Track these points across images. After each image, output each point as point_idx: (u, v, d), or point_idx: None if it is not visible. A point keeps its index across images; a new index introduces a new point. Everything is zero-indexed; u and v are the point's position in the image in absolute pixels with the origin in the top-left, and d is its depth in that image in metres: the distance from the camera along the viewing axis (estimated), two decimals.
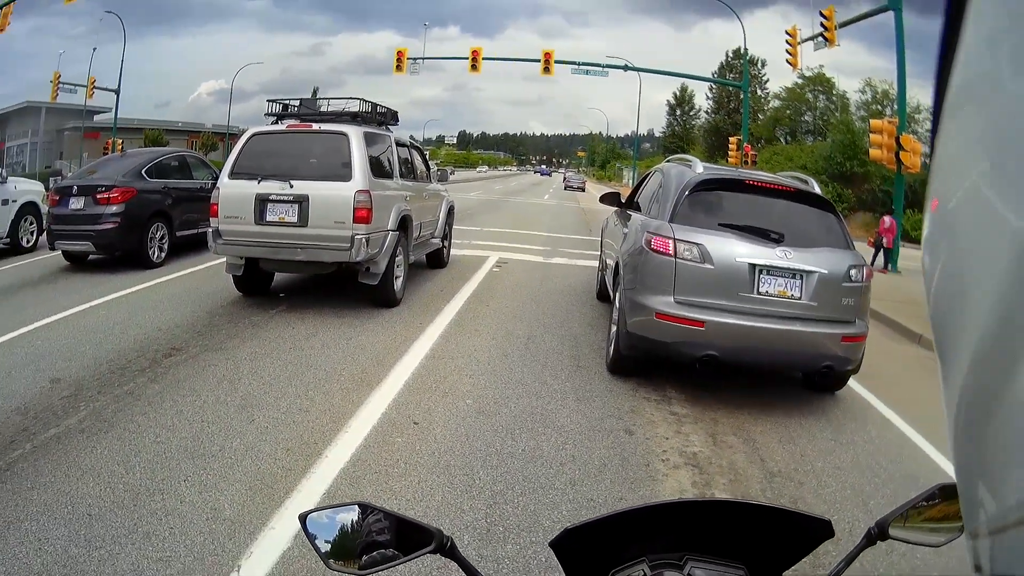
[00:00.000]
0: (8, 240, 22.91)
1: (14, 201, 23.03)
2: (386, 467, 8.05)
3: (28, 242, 23.58)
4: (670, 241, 10.72)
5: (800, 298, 10.52)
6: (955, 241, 1.16)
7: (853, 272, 10.76)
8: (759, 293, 10.48)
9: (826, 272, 10.58)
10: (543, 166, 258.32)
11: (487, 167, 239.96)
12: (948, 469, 9.11)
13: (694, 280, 10.57)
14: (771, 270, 10.50)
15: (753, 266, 10.47)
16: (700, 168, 12.12)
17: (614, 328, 12.00)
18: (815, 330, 10.56)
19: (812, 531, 2.14)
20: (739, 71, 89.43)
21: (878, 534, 2.19)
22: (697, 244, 10.62)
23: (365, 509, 2.11)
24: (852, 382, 12.29)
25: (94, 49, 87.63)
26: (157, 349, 12.01)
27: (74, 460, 7.93)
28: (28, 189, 24.43)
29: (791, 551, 2.17)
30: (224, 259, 15.56)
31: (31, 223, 23.80)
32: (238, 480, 7.58)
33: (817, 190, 12.19)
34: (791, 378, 12.24)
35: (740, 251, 10.58)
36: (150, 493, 7.22)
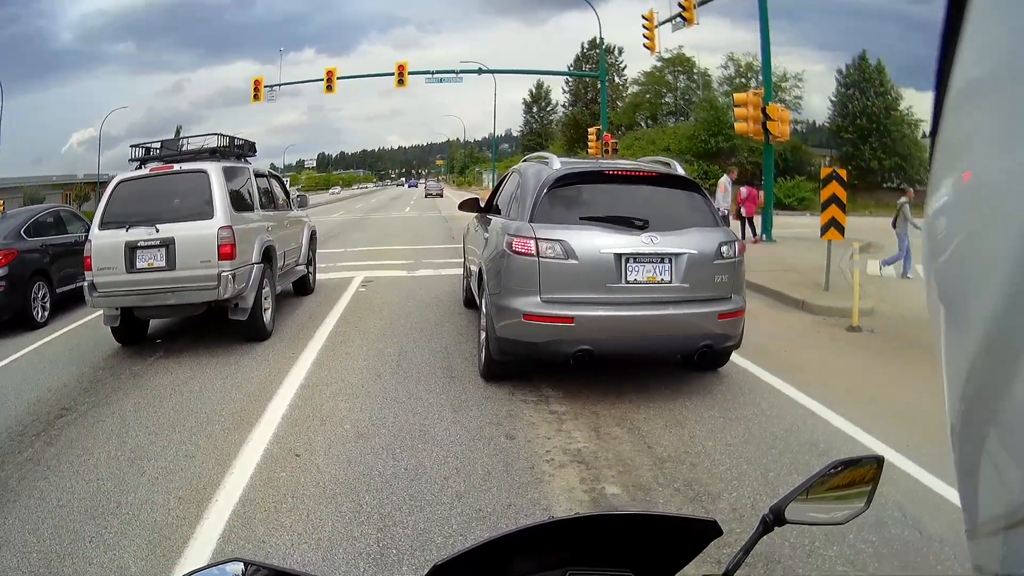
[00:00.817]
0: None
1: None
2: (274, 503, 8.20)
3: None
4: (531, 241, 10.74)
5: (671, 281, 10.67)
6: (963, 228, 1.21)
7: (724, 249, 10.96)
8: (627, 282, 10.59)
9: (695, 252, 10.76)
10: (412, 179, 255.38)
11: (339, 187, 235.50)
12: (849, 432, 9.66)
13: (560, 277, 10.62)
14: (637, 257, 10.62)
15: (619, 256, 10.58)
16: (557, 164, 12.04)
17: (483, 335, 11.99)
18: (689, 311, 10.75)
19: (699, 532, 2.20)
20: (596, 61, 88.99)
21: (774, 520, 2.18)
22: (559, 240, 10.65)
23: (247, 565, 2.01)
24: (736, 356, 12.77)
25: None
26: (49, 411, 12.07)
27: None
28: None
29: (679, 554, 2.22)
30: (102, 311, 15.60)
31: None
32: (138, 535, 7.69)
33: (680, 171, 12.30)
34: (671, 361, 12.48)
35: (604, 242, 10.66)
36: (60, 558, 7.38)
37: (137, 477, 9.28)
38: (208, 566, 2.05)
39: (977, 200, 1.17)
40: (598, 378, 11.68)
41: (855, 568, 6.49)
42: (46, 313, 20.13)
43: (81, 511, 8.46)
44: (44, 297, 20.19)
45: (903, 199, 26.12)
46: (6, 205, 53.37)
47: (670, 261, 10.69)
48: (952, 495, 7.34)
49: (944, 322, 1.28)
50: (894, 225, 25.30)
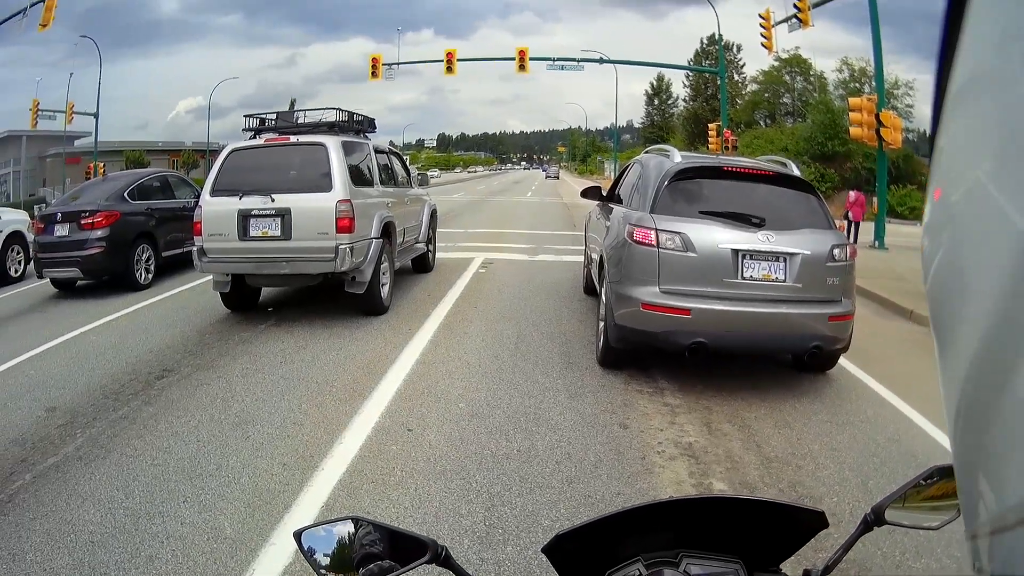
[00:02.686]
0: None
1: (0, 232, 22.97)
2: (382, 476, 8.01)
3: (16, 272, 23.57)
4: (652, 231, 10.75)
5: (785, 280, 10.56)
6: (957, 233, 1.17)
7: (836, 252, 10.78)
8: (743, 278, 10.50)
9: (809, 253, 10.61)
10: (547, 165, 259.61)
11: (461, 167, 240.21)
12: (947, 445, 9.31)
13: (678, 269, 10.59)
14: (754, 254, 10.53)
15: (736, 251, 10.49)
16: (678, 158, 12.08)
17: (602, 322, 11.97)
18: (801, 311, 10.61)
19: (806, 522, 2.16)
20: (715, 57, 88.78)
21: (874, 520, 2.19)
22: (679, 233, 10.64)
23: (358, 522, 2.10)
24: (845, 362, 12.30)
25: (71, 74, 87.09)
26: (149, 372, 11.99)
27: (74, 488, 7.91)
28: (13, 219, 24.46)
29: (786, 543, 2.19)
30: (211, 277, 15.55)
31: (18, 252, 23.79)
32: (236, 498, 7.58)
33: (796, 172, 12.19)
34: (783, 361, 12.24)
35: (722, 237, 10.60)
36: (150, 516, 7.21)
37: (241, 441, 9.14)
38: (322, 522, 2.14)
39: (970, 205, 1.13)
40: (712, 374, 11.52)
41: None
42: (150, 276, 20.15)
43: (177, 471, 8.30)
44: (148, 260, 20.21)
45: None
46: (107, 168, 53.99)
47: (785, 260, 10.64)
48: None
49: (940, 321, 1.22)
50: None
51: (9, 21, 56.69)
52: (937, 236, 1.22)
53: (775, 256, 10.60)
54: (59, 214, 19.75)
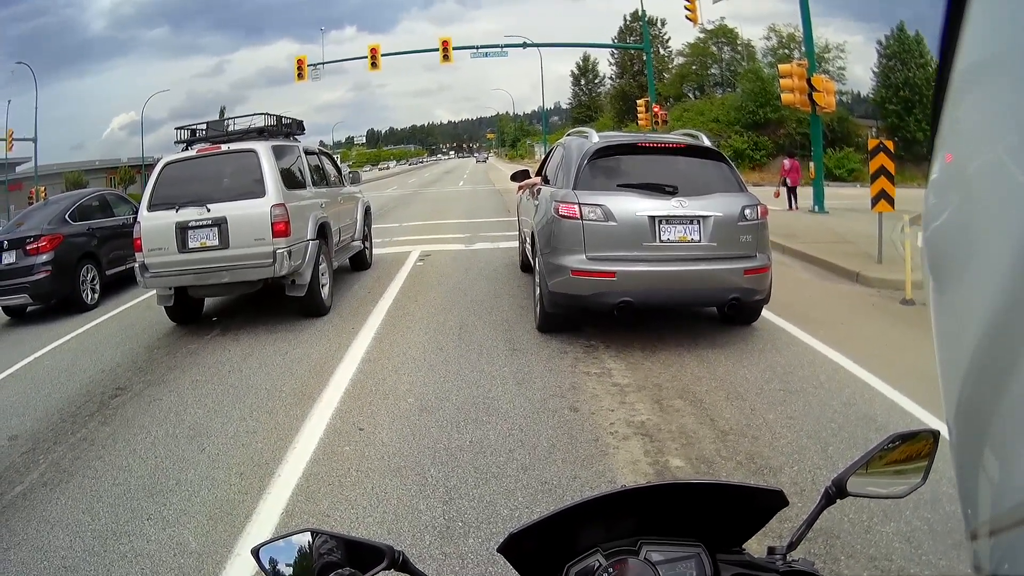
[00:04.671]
0: None
1: None
2: (339, 477, 8.09)
3: None
4: (575, 206, 11.68)
5: (700, 240, 11.50)
6: (971, 198, 1.21)
7: (747, 212, 11.72)
8: (661, 241, 11.44)
9: (720, 215, 11.56)
10: (478, 152, 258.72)
11: (393, 162, 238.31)
12: (906, 407, 9.23)
13: (601, 237, 11.53)
14: (669, 219, 11.46)
15: (652, 218, 11.43)
16: (596, 138, 13.12)
17: (538, 291, 12.89)
18: (718, 267, 11.55)
19: (766, 503, 2.17)
20: (639, 33, 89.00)
21: (836, 492, 2.19)
22: (600, 205, 11.59)
23: (315, 534, 2.07)
24: (794, 327, 12.78)
25: (8, 102, 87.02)
26: (103, 391, 12.03)
27: (42, 515, 7.95)
28: None
29: (747, 524, 2.21)
30: (155, 292, 15.52)
31: None
32: (198, 512, 7.61)
33: (707, 143, 13.02)
34: (731, 334, 12.65)
35: (639, 206, 11.54)
36: (117, 537, 7.26)
37: (197, 454, 9.20)
38: (278, 537, 2.10)
39: (971, 192, 1.17)
40: (659, 351, 11.83)
41: (911, 545, 6.32)
42: (96, 296, 20.10)
43: (138, 489, 8.33)
44: (93, 280, 20.17)
45: None
46: (48, 191, 53.65)
47: (699, 223, 11.55)
48: None
49: (940, 320, 1.28)
50: None
51: None
52: (944, 195, 1.29)
53: (689, 219, 11.50)
54: (5, 242, 19.64)
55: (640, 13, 70.64)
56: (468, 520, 6.95)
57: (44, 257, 18.94)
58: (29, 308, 19.95)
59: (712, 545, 2.09)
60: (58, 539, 7.38)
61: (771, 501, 2.14)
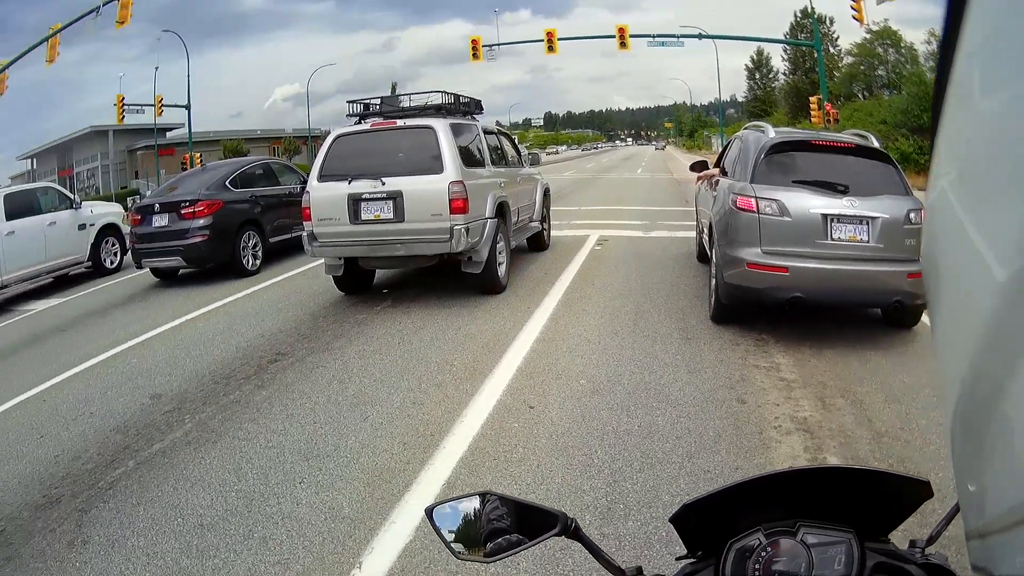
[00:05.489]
0: (90, 263, 23.82)
1: (91, 225, 23.88)
2: (504, 453, 8.10)
3: (112, 263, 24.48)
4: (752, 199, 12.02)
5: (868, 241, 11.65)
6: (967, 206, 1.18)
7: (912, 215, 11.68)
8: (832, 239, 11.65)
9: (888, 217, 11.66)
10: (656, 141, 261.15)
11: (564, 147, 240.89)
12: None
13: (776, 232, 11.84)
14: (840, 218, 11.67)
15: (825, 216, 11.66)
16: (772, 133, 13.44)
17: (713, 282, 13.21)
18: (883, 269, 11.59)
19: (913, 492, 2.18)
20: (809, 30, 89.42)
21: None
22: (776, 200, 11.91)
23: (485, 497, 2.20)
24: None
25: (156, 68, 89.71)
26: (262, 356, 12.26)
27: (181, 473, 8.05)
28: (106, 211, 25.31)
29: (895, 513, 2.22)
30: (322, 261, 15.83)
31: (113, 244, 24.66)
32: (355, 478, 7.69)
33: (876, 144, 13.26)
34: (894, 337, 12.57)
35: (813, 203, 11.80)
36: (264, 498, 7.36)
37: (359, 422, 9.29)
38: (452, 498, 2.27)
39: (970, 197, 1.18)
40: (825, 350, 11.80)
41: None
42: (258, 262, 20.71)
43: (293, 452, 8.47)
44: (256, 246, 20.68)
45: None
46: (204, 158, 55.09)
47: (868, 223, 11.70)
48: None
49: (940, 317, 1.30)
50: None
51: (82, 20, 58.00)
52: (943, 200, 1.26)
53: (859, 219, 11.70)
54: (157, 205, 20.29)
55: (809, 10, 70.65)
56: (630, 503, 6.96)
57: (201, 222, 19.53)
58: (181, 272, 20.58)
59: (862, 532, 2.10)
60: (197, 498, 7.52)
61: (918, 491, 2.16)
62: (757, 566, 2.02)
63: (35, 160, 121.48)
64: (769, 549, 2.03)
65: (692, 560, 2.17)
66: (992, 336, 1.04)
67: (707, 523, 2.12)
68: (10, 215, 21.37)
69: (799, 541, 2.03)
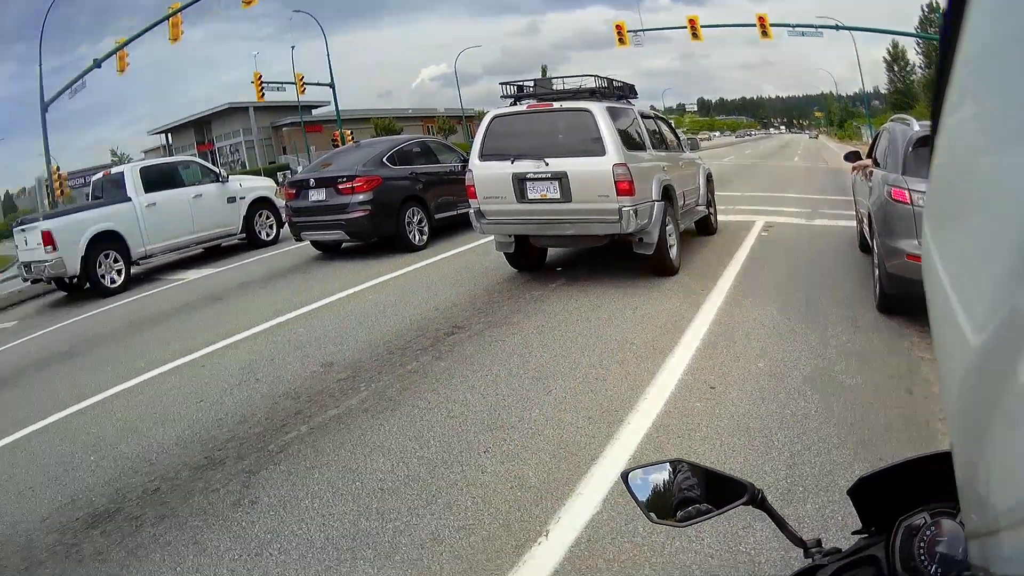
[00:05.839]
0: (244, 235, 24.75)
1: (242, 198, 24.83)
2: (688, 431, 8.17)
3: (267, 236, 25.33)
4: (906, 191, 12.03)
5: None
6: (966, 201, 1.19)
7: None
8: None
9: None
10: (809, 130, 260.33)
11: (717, 133, 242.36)
12: None
13: None
14: None
15: None
16: (916, 127, 13.56)
17: (876, 272, 13.12)
18: None
19: None
20: (937, 25, 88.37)
21: None
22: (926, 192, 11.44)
23: (677, 465, 2.31)
24: None
25: (292, 47, 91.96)
26: (438, 328, 12.52)
27: (359, 439, 8.25)
28: (256, 185, 26.35)
29: None
30: (490, 238, 16.11)
31: (268, 217, 25.53)
32: (540, 449, 7.80)
33: None
34: None
35: None
36: (447, 465, 7.51)
37: (542, 395, 9.44)
38: (647, 464, 2.39)
39: (969, 193, 1.18)
40: None
41: None
42: (424, 238, 21.07)
43: (476, 423, 8.62)
44: (421, 222, 21.01)
45: None
46: (355, 135, 56.03)
47: None
48: None
49: (940, 313, 1.28)
50: None
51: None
52: (943, 195, 1.32)
53: None
54: (311, 180, 20.80)
55: (934, 5, 70.08)
56: (808, 486, 7.01)
57: (361, 196, 20.02)
58: (344, 245, 21.02)
59: None
60: (376, 463, 7.75)
61: None
62: (922, 545, 2.00)
63: (170, 135, 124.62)
64: (933, 529, 2.01)
65: (866, 536, 2.19)
66: (992, 335, 1.04)
67: (880, 498, 2.16)
68: (149, 187, 22.26)
69: (958, 522, 1.96)
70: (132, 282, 21.89)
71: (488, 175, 14.96)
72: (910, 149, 12.66)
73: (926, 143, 11.63)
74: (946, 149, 1.25)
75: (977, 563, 1.23)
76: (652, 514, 2.27)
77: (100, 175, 24.32)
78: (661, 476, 2.31)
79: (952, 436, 1.27)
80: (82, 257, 20.79)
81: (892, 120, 16.07)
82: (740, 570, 5.82)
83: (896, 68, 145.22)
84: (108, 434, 9.66)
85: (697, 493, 2.24)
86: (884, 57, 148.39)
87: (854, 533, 2.21)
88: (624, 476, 2.31)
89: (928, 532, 1.99)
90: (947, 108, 1.21)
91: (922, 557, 1.96)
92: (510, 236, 15.45)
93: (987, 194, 1.08)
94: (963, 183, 1.19)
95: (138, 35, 61.38)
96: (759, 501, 2.16)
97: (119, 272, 21.60)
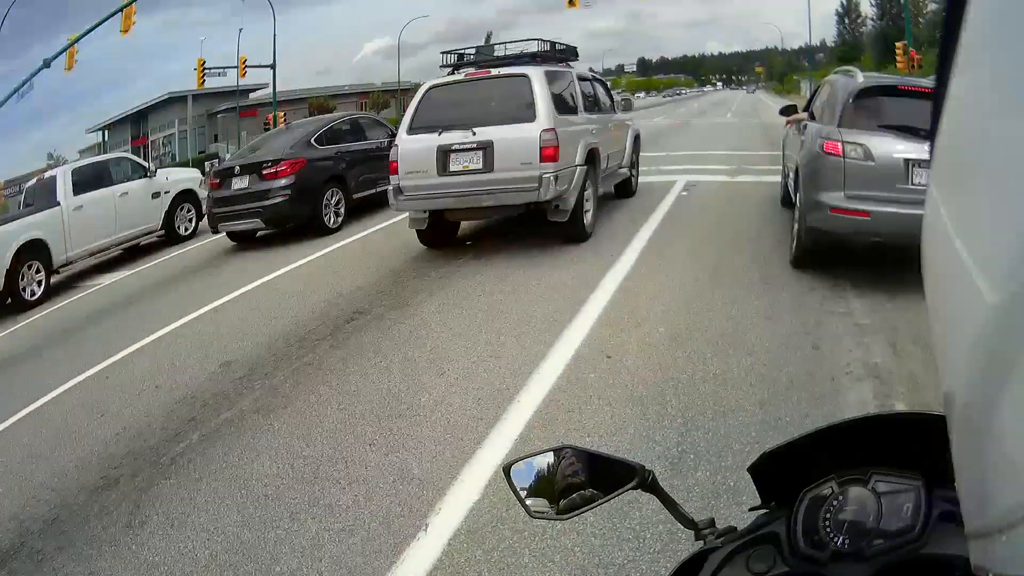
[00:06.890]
0: (163, 232, 24.23)
1: (167, 192, 24.22)
2: (579, 405, 8.14)
3: (186, 230, 24.84)
4: (839, 143, 12.06)
5: None
6: (967, 192, 1.14)
7: None
8: (913, 184, 11.55)
9: None
10: (747, 85, 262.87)
11: (642, 93, 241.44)
12: None
13: (859, 176, 11.94)
14: (922, 163, 11.52)
15: (907, 160, 11.63)
16: (860, 78, 13.76)
17: (796, 226, 13.25)
18: None
19: None
20: None
21: None
22: (861, 144, 11.97)
23: (561, 452, 2.21)
24: None
25: (240, 30, 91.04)
26: (339, 315, 12.33)
27: (248, 442, 8.17)
28: (182, 178, 25.88)
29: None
30: (406, 216, 15.93)
31: (188, 211, 25.01)
32: (426, 437, 7.73)
33: None
34: None
35: (896, 148, 11.80)
36: (332, 463, 7.43)
37: (435, 378, 9.39)
38: (530, 455, 2.29)
39: (970, 183, 1.11)
40: (899, 295, 11.39)
41: None
42: (339, 219, 20.56)
43: (365, 414, 8.57)
44: (338, 203, 20.66)
45: None
46: (289, 117, 55.68)
47: None
48: None
49: (938, 316, 1.23)
50: None
51: None
52: (942, 186, 1.23)
53: None
54: (237, 167, 20.40)
55: None
56: (699, 452, 7.04)
57: (283, 181, 19.46)
58: (259, 233, 20.66)
59: (932, 480, 1.98)
60: (263, 467, 7.65)
61: None
62: (827, 515, 1.97)
63: (107, 132, 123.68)
64: (840, 498, 1.98)
65: (765, 511, 2.14)
66: (991, 335, 0.96)
67: (784, 472, 2.10)
68: (79, 189, 21.66)
69: (870, 489, 1.97)
70: (51, 291, 21.25)
71: (413, 149, 14.87)
72: (850, 100, 12.74)
73: (870, 94, 12.98)
74: (958, 105, 1.16)
75: (978, 563, 1.13)
76: (533, 506, 2.21)
77: (34, 181, 23.80)
78: (545, 464, 2.23)
79: (952, 435, 1.17)
80: (7, 271, 19.70)
81: (836, 72, 16.21)
82: (624, 548, 5.74)
83: (847, 21, 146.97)
84: (13, 462, 9.48)
85: (582, 478, 2.17)
86: (836, 9, 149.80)
87: (752, 509, 2.17)
88: (506, 470, 2.25)
89: (836, 502, 1.99)
90: (958, 66, 1.12)
91: (827, 528, 1.95)
92: (425, 212, 15.29)
93: (987, 185, 1.02)
94: (978, 139, 1.09)
95: (91, 29, 60.81)
96: (649, 483, 2.10)
97: (39, 283, 20.74)
